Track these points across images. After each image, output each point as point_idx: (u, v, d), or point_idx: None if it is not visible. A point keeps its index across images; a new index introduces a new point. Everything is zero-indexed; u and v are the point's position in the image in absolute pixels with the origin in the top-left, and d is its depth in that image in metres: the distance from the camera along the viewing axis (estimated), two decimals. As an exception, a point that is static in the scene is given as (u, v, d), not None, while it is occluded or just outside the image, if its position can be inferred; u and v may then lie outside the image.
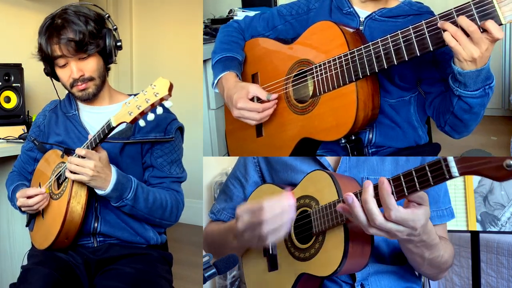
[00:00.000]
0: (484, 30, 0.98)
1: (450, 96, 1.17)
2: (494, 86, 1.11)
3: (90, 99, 1.41)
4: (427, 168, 0.87)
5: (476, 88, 1.09)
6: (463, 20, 0.99)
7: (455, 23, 1.00)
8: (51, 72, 1.41)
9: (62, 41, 1.30)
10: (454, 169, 0.83)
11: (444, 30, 1.01)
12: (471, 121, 1.20)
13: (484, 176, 0.82)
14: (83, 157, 1.22)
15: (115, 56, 1.43)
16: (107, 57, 1.40)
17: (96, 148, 1.23)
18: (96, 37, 1.34)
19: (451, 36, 1.00)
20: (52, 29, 1.32)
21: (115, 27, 1.42)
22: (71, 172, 1.23)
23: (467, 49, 1.00)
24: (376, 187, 0.92)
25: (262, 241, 1.05)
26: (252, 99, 1.34)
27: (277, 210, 1.04)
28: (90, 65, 1.36)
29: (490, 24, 0.96)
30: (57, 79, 1.42)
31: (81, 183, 1.29)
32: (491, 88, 1.10)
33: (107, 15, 1.43)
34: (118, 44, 1.42)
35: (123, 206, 1.31)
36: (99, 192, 1.27)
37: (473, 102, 1.12)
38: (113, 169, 1.27)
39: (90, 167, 1.21)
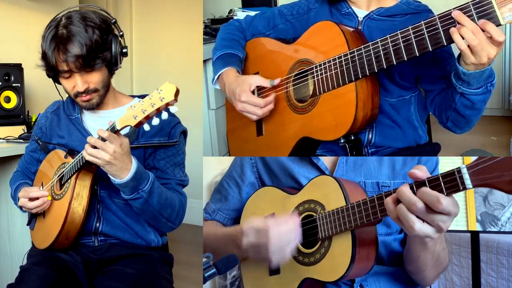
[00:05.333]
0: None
1: (453, 93, 1.17)
2: (495, 82, 1.12)
3: (94, 108, 1.39)
4: (440, 179, 0.87)
5: (479, 86, 1.11)
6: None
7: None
8: (54, 76, 1.37)
9: (69, 58, 1.25)
10: (468, 181, 0.84)
11: (458, 29, 1.00)
12: (473, 116, 1.21)
13: (497, 189, 0.83)
14: (103, 140, 1.15)
15: (120, 62, 1.39)
16: (112, 65, 1.36)
17: (118, 133, 1.16)
18: (102, 50, 1.29)
19: (463, 40, 1.00)
20: (57, 40, 1.26)
21: (121, 33, 1.38)
22: (89, 154, 1.17)
23: (478, 55, 1.00)
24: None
25: (266, 261, 1.08)
26: (253, 92, 1.34)
27: (283, 234, 1.06)
28: (96, 78, 1.32)
29: (490, 27, 0.96)
30: (60, 83, 1.39)
31: (84, 184, 1.29)
32: (492, 85, 1.12)
33: (114, 20, 1.38)
34: (124, 51, 1.38)
35: (137, 199, 1.25)
36: (115, 181, 1.21)
37: (475, 99, 1.14)
38: (133, 158, 1.22)
39: (109, 151, 1.14)
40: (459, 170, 0.85)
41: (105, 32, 1.31)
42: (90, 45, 1.26)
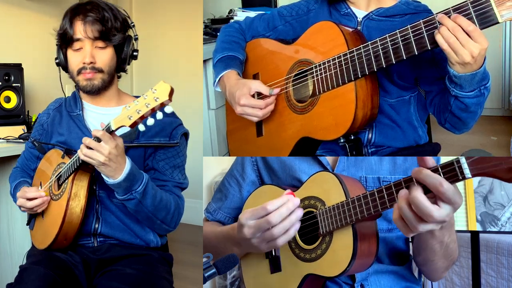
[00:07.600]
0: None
1: (448, 96, 1.18)
2: (490, 86, 1.12)
3: (94, 93, 1.39)
4: (440, 169, 0.87)
5: (472, 89, 1.11)
6: (449, 21, 1.00)
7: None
8: (63, 59, 1.39)
9: (88, 18, 1.30)
10: (467, 171, 0.84)
11: (439, 29, 1.01)
12: (469, 119, 1.21)
13: (496, 177, 0.83)
14: (99, 140, 1.15)
15: (128, 64, 1.43)
16: (122, 61, 1.40)
17: (112, 134, 1.16)
18: (119, 31, 1.36)
19: (443, 39, 1.01)
20: (80, 8, 1.33)
21: (136, 36, 1.43)
22: (84, 155, 1.18)
23: (459, 53, 1.01)
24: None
25: (273, 244, 1.07)
26: (253, 95, 1.34)
27: (284, 211, 1.05)
28: (104, 56, 1.35)
29: (460, 20, 0.98)
30: (66, 70, 1.41)
31: (81, 184, 1.29)
32: (486, 88, 1.12)
33: (133, 23, 1.43)
34: (135, 54, 1.43)
35: (130, 200, 1.25)
36: (109, 181, 1.21)
37: (469, 102, 1.14)
38: (127, 158, 1.22)
39: (103, 153, 1.14)
40: (458, 161, 0.86)
41: (123, 25, 1.38)
42: (109, 19, 1.32)
